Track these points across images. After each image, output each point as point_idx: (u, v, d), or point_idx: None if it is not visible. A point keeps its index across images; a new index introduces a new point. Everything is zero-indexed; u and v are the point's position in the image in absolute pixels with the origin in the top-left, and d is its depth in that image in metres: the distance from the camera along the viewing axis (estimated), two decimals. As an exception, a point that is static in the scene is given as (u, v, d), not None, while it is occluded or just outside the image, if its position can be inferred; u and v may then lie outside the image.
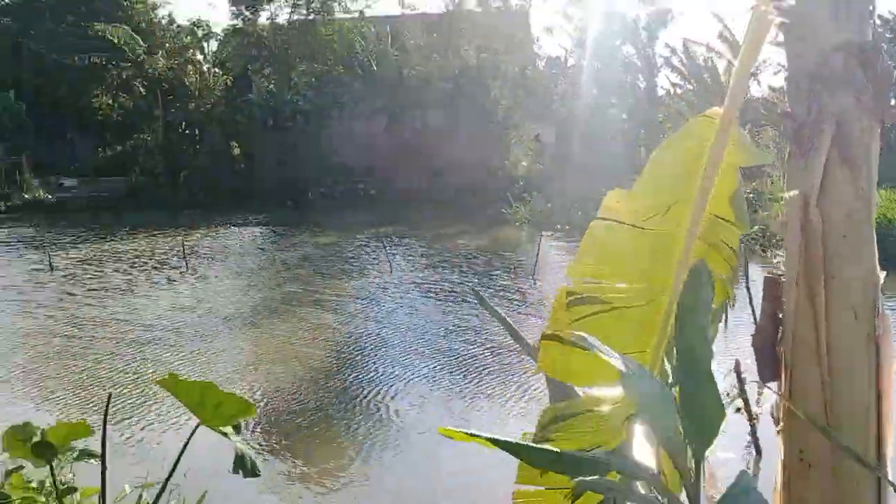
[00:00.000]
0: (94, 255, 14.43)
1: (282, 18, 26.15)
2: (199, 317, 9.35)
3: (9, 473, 2.20)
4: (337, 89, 25.76)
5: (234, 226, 19.46)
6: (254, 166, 25.85)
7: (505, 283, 11.38)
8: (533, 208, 19.22)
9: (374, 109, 26.52)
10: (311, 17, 25.79)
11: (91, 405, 6.02)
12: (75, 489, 2.18)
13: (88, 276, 12.31)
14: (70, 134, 30.74)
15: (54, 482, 2.05)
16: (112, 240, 16.79)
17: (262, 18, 26.06)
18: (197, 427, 2.15)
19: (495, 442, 1.31)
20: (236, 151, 26.47)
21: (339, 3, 26.27)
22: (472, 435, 1.37)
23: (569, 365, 1.71)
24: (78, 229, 18.43)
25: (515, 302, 9.89)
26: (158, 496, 2.14)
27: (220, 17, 59.57)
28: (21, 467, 2.20)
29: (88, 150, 29.48)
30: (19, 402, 6.16)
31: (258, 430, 5.53)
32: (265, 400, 6.17)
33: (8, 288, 11.32)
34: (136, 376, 6.83)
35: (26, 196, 24.14)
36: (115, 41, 24.22)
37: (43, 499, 2.02)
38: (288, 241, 16.61)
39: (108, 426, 2.28)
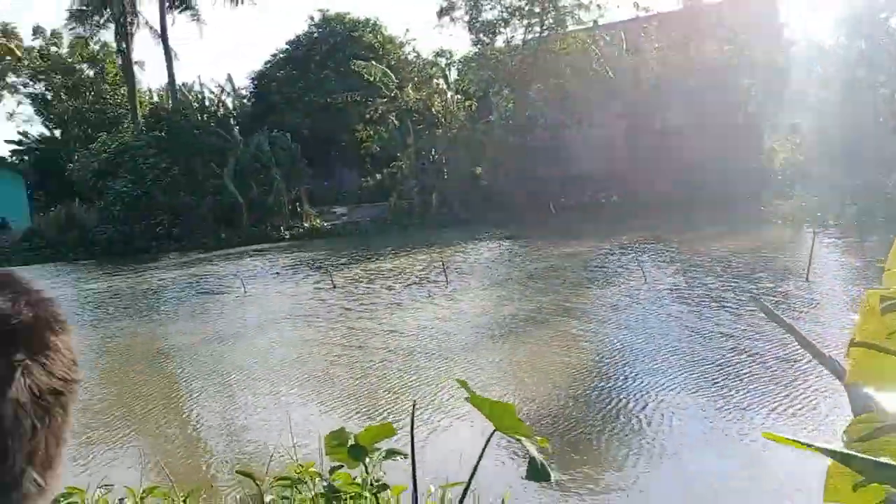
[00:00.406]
0: (365, 274, 15.96)
1: (517, 39, 26.95)
2: (460, 327, 9.93)
3: (332, 470, 2.49)
4: (574, 101, 25.91)
5: (483, 241, 20.34)
6: (498, 183, 26.84)
7: (770, 286, 10.58)
8: (796, 204, 17.62)
9: (613, 116, 26.19)
10: (545, 34, 26.26)
11: (377, 408, 6.67)
12: (387, 486, 2.40)
13: (361, 292, 13.64)
14: (338, 168, 34.48)
15: (370, 480, 2.33)
16: (378, 259, 18.44)
17: (499, 42, 27.12)
18: (493, 433, 2.32)
19: (829, 451, 1.29)
20: (480, 170, 27.72)
21: (572, 17, 26.41)
22: (800, 443, 1.36)
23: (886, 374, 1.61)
24: (349, 251, 20.53)
25: (785, 307, 9.15)
26: (463, 495, 2.35)
27: (461, 45, 63.15)
28: (341, 466, 2.49)
29: (353, 180, 32.82)
30: (307, 405, 7.04)
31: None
32: (524, 406, 6.38)
33: (298, 304, 12.95)
34: (411, 382, 7.43)
35: (306, 225, 27.44)
36: (372, 79, 26.80)
37: (367, 494, 2.29)
38: (534, 253, 16.97)
39: (409, 429, 2.57)
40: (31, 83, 36.25)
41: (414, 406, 2.74)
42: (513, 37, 27.01)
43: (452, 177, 27.24)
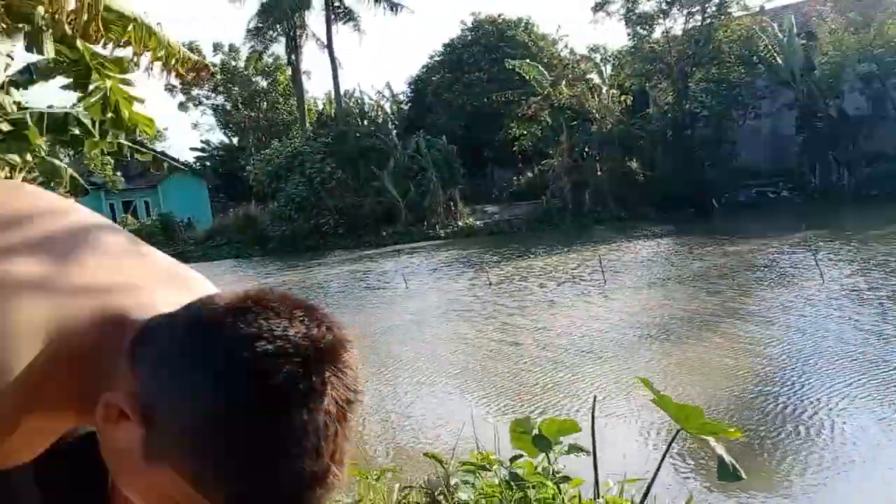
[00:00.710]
0: (518, 272, 16.12)
1: (677, 29, 25.99)
2: (616, 326, 9.83)
3: (512, 460, 2.62)
4: (737, 90, 24.58)
5: (640, 239, 19.86)
6: (655, 179, 26.05)
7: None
8: None
9: (781, 105, 24.60)
10: (707, 22, 25.11)
11: (533, 404, 6.81)
12: (568, 478, 2.51)
13: (515, 289, 13.82)
14: (490, 167, 34.95)
15: (552, 471, 2.45)
16: (531, 257, 18.55)
17: (657, 33, 26.27)
18: (678, 432, 2.38)
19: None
20: (636, 166, 27.04)
21: (737, 3, 25.04)
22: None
23: None
24: (503, 249, 20.80)
25: None
26: (646, 492, 2.43)
27: (616, 39, 61.70)
28: (519, 455, 2.61)
29: (505, 179, 33.14)
30: (469, 397, 7.29)
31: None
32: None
33: (455, 300, 13.35)
34: (565, 379, 7.50)
35: (460, 223, 28.09)
36: (526, 77, 26.89)
37: (550, 483, 2.41)
38: (696, 250, 16.35)
39: (589, 425, 2.68)
40: (212, 95, 39.77)
41: (595, 400, 2.85)
42: (671, 27, 26.06)
43: (607, 173, 26.75)
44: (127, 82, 4.20)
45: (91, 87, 4.08)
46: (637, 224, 22.90)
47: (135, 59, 4.08)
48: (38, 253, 0.85)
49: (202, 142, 43.04)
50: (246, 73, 38.54)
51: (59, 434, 0.90)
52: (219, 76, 36.85)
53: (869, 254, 13.09)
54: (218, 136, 42.81)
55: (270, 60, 37.66)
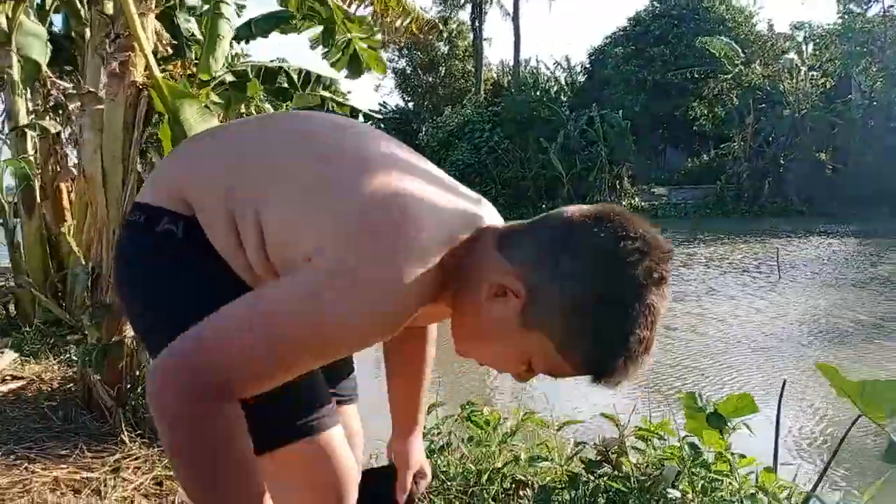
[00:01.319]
0: (683, 259, 15.54)
1: (896, 9, 23.45)
2: (787, 323, 9.28)
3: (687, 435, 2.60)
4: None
5: (821, 235, 18.43)
6: (847, 173, 23.89)
7: None
8: None
9: None
10: (934, 0, 22.45)
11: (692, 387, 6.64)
12: (744, 456, 2.47)
13: (679, 276, 13.34)
14: (662, 146, 33.60)
15: (726, 447, 2.43)
16: (698, 245, 17.80)
17: (872, 12, 23.83)
18: (858, 419, 2.29)
19: None
20: (826, 157, 24.93)
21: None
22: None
23: None
24: (669, 234, 20.09)
25: None
26: (821, 476, 2.36)
27: (823, 16, 56.47)
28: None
29: (680, 160, 31.74)
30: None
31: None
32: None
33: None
34: (726, 370, 7.23)
35: (624, 203, 27.40)
36: (717, 54, 25.42)
37: (729, 456, 2.38)
38: (886, 255, 14.94)
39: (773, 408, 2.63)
40: (395, 58, 41.13)
41: (784, 383, 2.79)
42: (892, 6, 23.51)
43: (793, 162, 24.84)
44: (370, 32, 4.60)
45: (338, 39, 4.53)
46: (820, 220, 21.20)
47: (376, 18, 4.47)
48: (414, 173, 1.07)
49: (380, 104, 44.83)
50: (430, 37, 39.41)
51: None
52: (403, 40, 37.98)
53: None
54: (396, 100, 44.31)
55: (454, 26, 38.22)
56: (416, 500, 1.53)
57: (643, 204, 27.02)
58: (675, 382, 6.85)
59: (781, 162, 25.03)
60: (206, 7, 5.98)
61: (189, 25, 6.74)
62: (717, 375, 7.06)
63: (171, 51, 3.82)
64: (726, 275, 13.15)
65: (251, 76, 6.03)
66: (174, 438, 0.91)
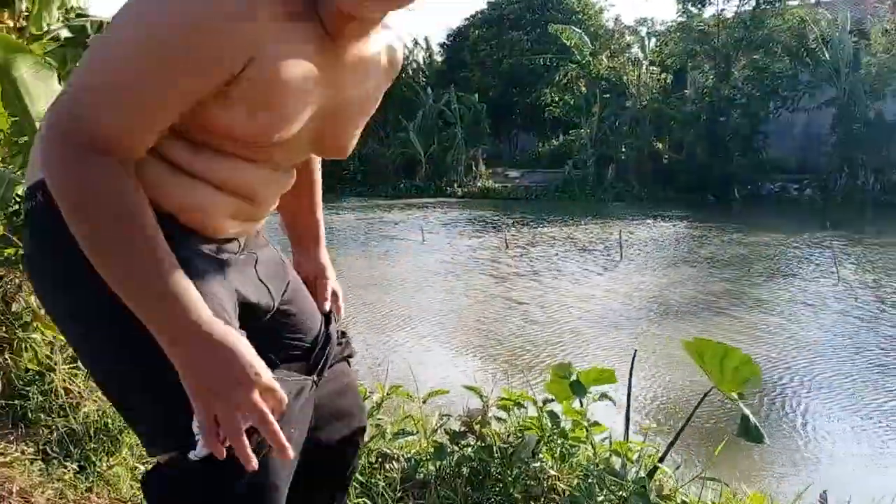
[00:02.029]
0: (534, 239, 16.19)
1: (729, 12, 25.50)
2: (631, 301, 9.94)
3: (545, 402, 2.73)
4: (779, 82, 24.22)
5: (658, 220, 19.84)
6: (681, 162, 25.88)
7: None
8: None
9: (820, 102, 24.24)
10: (761, 7, 24.60)
11: (544, 363, 6.96)
12: (598, 423, 2.62)
13: (530, 255, 13.91)
14: (515, 130, 34.68)
15: (584, 416, 2.56)
16: (547, 225, 18.59)
17: (708, 13, 25.80)
18: (710, 390, 2.48)
19: None
20: (663, 146, 26.85)
21: (796, -10, 24.49)
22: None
23: None
24: (520, 214, 20.83)
25: None
26: (670, 445, 2.54)
27: (665, 14, 60.46)
28: (551, 400, 2.72)
29: (531, 144, 32.92)
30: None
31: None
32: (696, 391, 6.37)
33: (472, 258, 13.47)
34: (579, 346, 7.65)
35: (479, 184, 28.06)
36: (568, 43, 26.48)
37: (584, 423, 2.52)
38: (714, 239, 16.35)
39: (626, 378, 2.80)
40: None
41: (635, 354, 2.96)
42: (724, 9, 25.56)
43: (634, 150, 26.55)
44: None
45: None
46: (657, 205, 22.81)
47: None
48: None
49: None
50: None
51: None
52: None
53: (889, 261, 13.08)
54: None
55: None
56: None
57: (497, 185, 27.78)
58: (531, 355, 7.16)
59: (623, 150, 26.64)
60: (38, -49, 5.40)
61: (17, -28, 6.05)
62: (569, 349, 7.45)
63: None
64: (577, 255, 13.84)
65: (90, 32, 5.53)
66: (69, 202, 0.95)
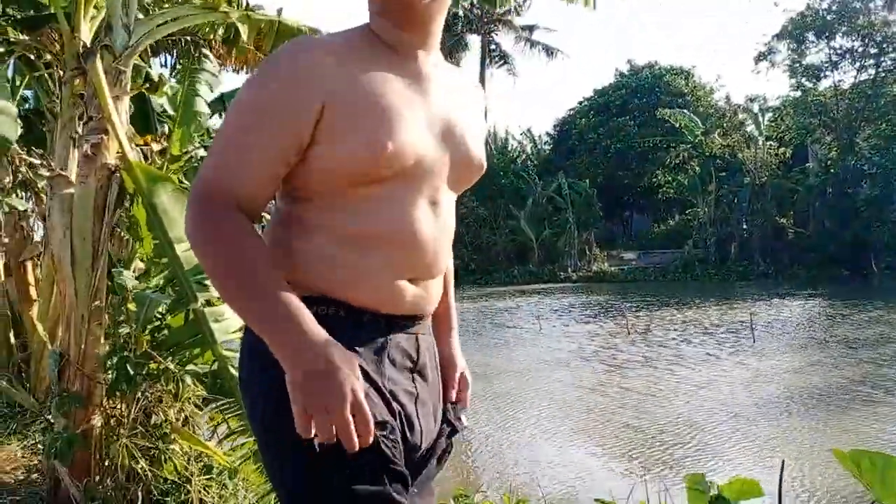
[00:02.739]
0: (657, 323, 15.61)
1: (846, 83, 24.59)
2: (769, 388, 9.29)
3: None
4: (910, 149, 22.80)
5: (788, 298, 18.72)
6: (808, 236, 24.54)
7: None
8: None
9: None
10: (881, 76, 23.58)
11: (668, 463, 6.55)
12: None
13: (654, 340, 13.37)
14: (628, 212, 34.25)
15: None
16: (670, 308, 17.92)
17: (823, 86, 24.98)
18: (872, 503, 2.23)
19: None
20: (788, 222, 25.61)
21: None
22: None
23: None
24: (638, 298, 20.24)
25: None
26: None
27: (777, 90, 59.17)
28: None
29: (645, 226, 32.33)
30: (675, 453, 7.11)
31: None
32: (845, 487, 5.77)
33: (591, 346, 13.11)
34: (710, 441, 7.15)
35: (594, 268, 27.67)
36: (676, 125, 26.29)
37: None
38: (851, 316, 15.18)
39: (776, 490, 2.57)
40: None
41: (783, 464, 2.74)
42: (840, 80, 24.69)
43: (756, 227, 25.46)
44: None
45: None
46: (785, 283, 21.60)
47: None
48: None
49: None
50: None
51: None
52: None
53: None
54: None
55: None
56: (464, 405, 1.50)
57: (613, 269, 27.28)
58: (668, 456, 6.75)
59: (745, 227, 25.62)
60: (177, 86, 6.00)
61: (160, 101, 6.74)
62: (708, 448, 6.99)
63: (134, 135, 3.80)
64: (707, 340, 13.18)
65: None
66: (203, 254, 1.11)
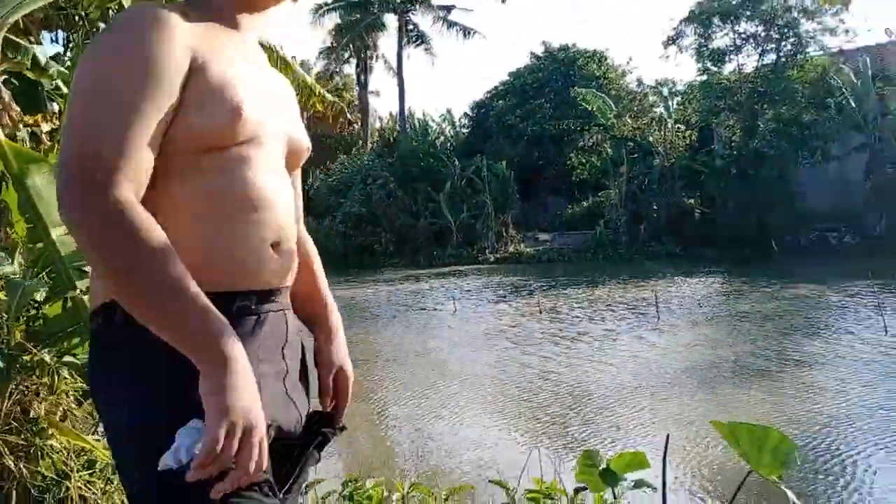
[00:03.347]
0: (569, 302, 16.00)
1: (749, 67, 25.66)
2: (671, 363, 9.66)
3: (576, 491, 2.61)
4: (807, 132, 24.06)
5: (695, 276, 19.51)
6: (713, 216, 25.64)
7: None
8: None
9: (850, 149, 23.96)
10: (781, 61, 24.72)
11: (585, 439, 6.73)
12: None
13: (566, 319, 13.70)
14: (544, 194, 34.84)
15: None
16: (582, 287, 18.39)
17: (728, 70, 25.98)
18: (749, 474, 2.33)
19: None
20: (695, 202, 26.67)
21: (815, 42, 24.55)
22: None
23: None
24: (553, 278, 20.67)
25: None
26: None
27: (685, 74, 61.26)
28: (584, 488, 2.59)
29: (559, 208, 32.96)
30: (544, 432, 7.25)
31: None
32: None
33: (506, 326, 13.31)
34: (621, 414, 7.40)
35: (511, 249, 28.05)
36: (590, 108, 26.83)
37: None
38: (753, 293, 15.98)
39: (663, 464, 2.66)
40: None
41: (668, 438, 2.82)
42: (744, 64, 25.73)
43: (665, 208, 26.40)
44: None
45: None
46: (693, 262, 22.50)
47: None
48: None
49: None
50: (338, 121, 39.36)
51: None
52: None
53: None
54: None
55: (339, 80, 38.39)
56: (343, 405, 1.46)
57: (529, 249, 27.72)
58: (565, 431, 6.93)
59: (654, 207, 26.50)
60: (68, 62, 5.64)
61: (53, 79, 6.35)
62: (605, 424, 7.21)
63: (18, 114, 3.55)
64: (614, 317, 13.59)
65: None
66: (87, 238, 1.01)
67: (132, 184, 1.03)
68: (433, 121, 36.46)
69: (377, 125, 40.09)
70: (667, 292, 16.27)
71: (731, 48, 25.40)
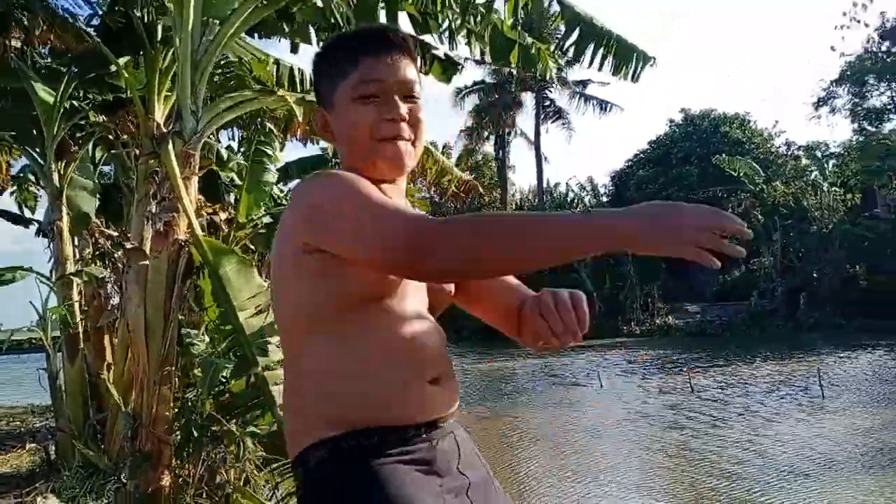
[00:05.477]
0: (722, 378, 15.16)
1: (911, 125, 23.98)
2: (839, 447, 8.90)
3: None
4: None
5: (861, 349, 17.93)
6: (881, 285, 23.53)
7: None
8: None
9: None
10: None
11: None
12: None
13: (719, 397, 12.98)
14: (691, 264, 33.55)
15: None
16: (736, 363, 17.38)
17: (888, 128, 24.36)
18: None
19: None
20: (859, 270, 24.69)
21: None
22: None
23: None
24: (704, 352, 19.69)
25: None
26: None
27: (839, 135, 57.74)
28: None
29: (708, 278, 31.60)
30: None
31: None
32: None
33: (653, 404, 12.80)
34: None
35: (657, 321, 27.11)
36: (737, 174, 25.91)
37: None
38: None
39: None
40: (423, 188, 42.53)
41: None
42: (904, 123, 24.09)
43: (825, 276, 24.60)
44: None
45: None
46: (857, 334, 20.69)
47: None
48: None
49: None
50: (458, 167, 40.88)
51: None
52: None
53: None
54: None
55: (479, 157, 39.58)
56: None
57: (678, 322, 26.69)
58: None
59: (814, 276, 24.79)
60: (243, 162, 6.36)
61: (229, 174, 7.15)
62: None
63: (210, 211, 4.09)
64: (773, 396, 12.73)
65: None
66: (488, 243, 1.13)
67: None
68: (573, 191, 36.56)
69: (517, 197, 40.66)
70: (830, 367, 15.05)
71: (891, 106, 23.85)
